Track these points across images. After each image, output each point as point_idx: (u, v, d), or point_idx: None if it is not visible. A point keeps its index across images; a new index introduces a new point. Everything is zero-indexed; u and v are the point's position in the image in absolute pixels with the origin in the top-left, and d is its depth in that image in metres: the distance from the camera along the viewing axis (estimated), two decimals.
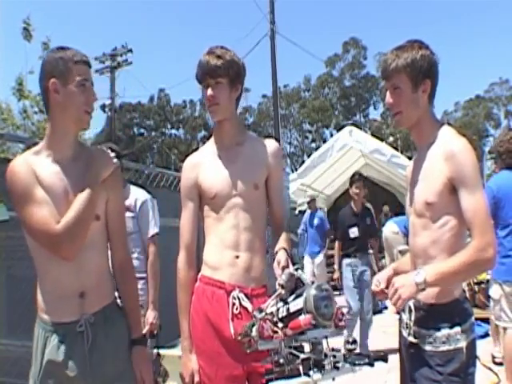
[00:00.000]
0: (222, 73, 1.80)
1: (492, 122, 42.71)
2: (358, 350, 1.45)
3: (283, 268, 1.57)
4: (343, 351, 1.42)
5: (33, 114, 7.82)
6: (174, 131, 43.00)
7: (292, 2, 60.25)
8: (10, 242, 2.67)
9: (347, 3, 66.37)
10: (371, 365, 1.42)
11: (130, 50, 19.20)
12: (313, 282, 1.41)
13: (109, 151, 1.75)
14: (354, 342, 1.45)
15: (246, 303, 1.76)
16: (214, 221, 1.86)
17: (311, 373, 1.33)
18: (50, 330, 1.60)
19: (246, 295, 1.78)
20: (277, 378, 1.36)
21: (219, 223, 1.85)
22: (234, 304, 1.76)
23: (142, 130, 41.82)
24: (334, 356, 1.38)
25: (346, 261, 5.23)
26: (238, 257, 1.82)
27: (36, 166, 1.61)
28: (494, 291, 3.65)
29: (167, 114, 41.63)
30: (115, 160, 1.73)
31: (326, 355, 1.37)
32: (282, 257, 1.64)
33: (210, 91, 1.82)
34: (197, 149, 2.06)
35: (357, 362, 1.39)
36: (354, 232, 5.21)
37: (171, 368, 1.72)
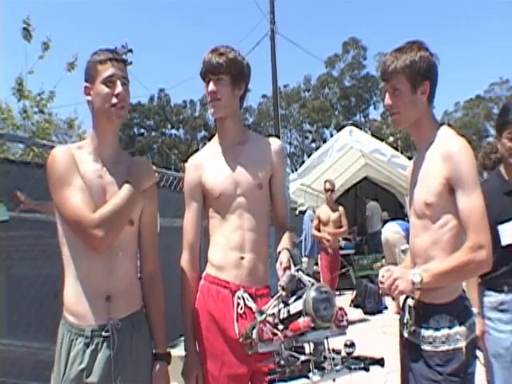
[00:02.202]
0: (224, 70, 1.82)
1: (492, 122, 42.57)
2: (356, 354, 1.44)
3: (285, 269, 1.57)
4: (342, 353, 1.41)
5: (33, 114, 7.79)
6: (174, 131, 43.04)
7: (292, 2, 60.33)
8: (10, 242, 2.67)
9: (347, 3, 66.43)
10: (366, 370, 1.41)
11: (130, 50, 19.15)
12: (313, 284, 1.41)
13: (150, 163, 1.77)
14: (352, 344, 1.44)
15: (251, 303, 1.77)
16: (219, 221, 1.87)
17: (310, 375, 1.33)
18: (76, 332, 1.58)
19: (250, 295, 1.79)
20: (280, 380, 1.36)
21: (224, 223, 1.85)
22: (238, 304, 1.77)
23: (142, 130, 41.85)
24: (333, 358, 1.38)
25: (487, 298, 2.30)
26: (243, 258, 1.82)
27: (78, 158, 1.64)
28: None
29: (167, 113, 41.65)
30: (156, 174, 1.76)
31: (325, 357, 1.37)
32: (284, 257, 1.64)
33: (211, 86, 1.84)
34: (197, 150, 2.06)
35: (352, 367, 1.39)
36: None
37: (171, 368, 1.71)
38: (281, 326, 1.40)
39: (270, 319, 1.42)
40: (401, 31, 52.27)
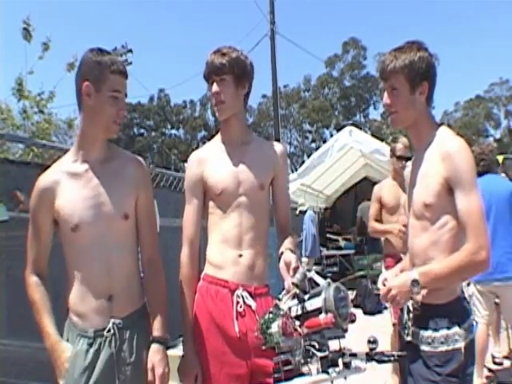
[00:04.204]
0: (227, 70, 1.82)
1: (492, 122, 42.65)
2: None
3: (294, 268, 1.56)
4: (366, 350, 1.44)
5: (33, 114, 7.81)
6: (174, 131, 43.01)
7: (292, 2, 60.29)
8: (10, 242, 2.67)
9: (347, 3, 66.39)
10: (398, 361, 1.45)
11: (130, 50, 19.15)
12: (329, 284, 1.43)
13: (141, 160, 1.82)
14: (375, 341, 1.47)
15: (250, 301, 1.77)
16: (219, 218, 1.87)
17: (330, 370, 1.36)
18: (79, 333, 1.62)
19: (249, 294, 1.79)
20: (286, 379, 1.39)
21: (223, 221, 1.85)
22: (237, 302, 1.77)
23: (142, 130, 41.84)
24: (355, 355, 1.41)
25: None
26: (241, 255, 1.82)
27: (62, 185, 1.66)
28: (469, 288, 3.83)
29: (167, 114, 41.63)
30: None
31: (343, 354, 1.40)
32: (291, 257, 1.63)
33: (215, 87, 1.84)
34: (197, 148, 2.06)
35: (386, 359, 1.42)
36: None
37: (171, 368, 1.72)
38: (297, 322, 1.42)
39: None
40: (401, 31, 52.27)
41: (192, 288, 1.85)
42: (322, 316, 1.36)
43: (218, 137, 1.98)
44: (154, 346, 1.68)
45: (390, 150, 3.85)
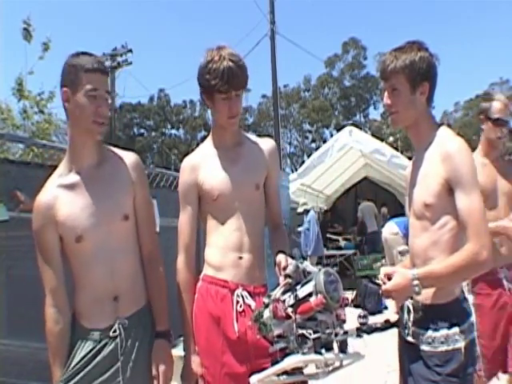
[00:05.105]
0: (243, 85, 1.82)
1: None
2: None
3: (284, 268, 1.59)
4: (356, 325, 1.47)
5: (33, 114, 7.82)
6: (174, 131, 43.04)
7: (292, 2, 60.33)
8: (10, 242, 2.67)
9: (347, 3, 66.42)
10: (387, 329, 1.47)
11: (130, 50, 19.20)
12: (320, 269, 1.45)
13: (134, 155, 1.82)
14: (366, 316, 1.50)
15: (250, 301, 1.78)
16: (217, 222, 1.86)
17: (323, 351, 1.37)
18: (85, 336, 1.63)
19: (249, 293, 1.80)
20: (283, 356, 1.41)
21: (222, 225, 1.85)
22: (237, 302, 1.78)
23: (142, 130, 41.86)
24: (347, 332, 1.43)
25: None
26: (241, 257, 1.83)
27: (61, 197, 1.65)
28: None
29: (167, 114, 41.64)
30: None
31: (336, 334, 1.41)
32: (281, 258, 1.66)
33: (235, 103, 1.81)
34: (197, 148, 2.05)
35: (374, 327, 1.45)
36: None
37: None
38: (290, 309, 1.44)
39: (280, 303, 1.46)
40: (401, 31, 52.33)
41: (190, 292, 1.85)
42: (313, 298, 1.38)
43: (209, 140, 1.96)
44: (158, 341, 1.69)
45: (481, 112, 2.58)
